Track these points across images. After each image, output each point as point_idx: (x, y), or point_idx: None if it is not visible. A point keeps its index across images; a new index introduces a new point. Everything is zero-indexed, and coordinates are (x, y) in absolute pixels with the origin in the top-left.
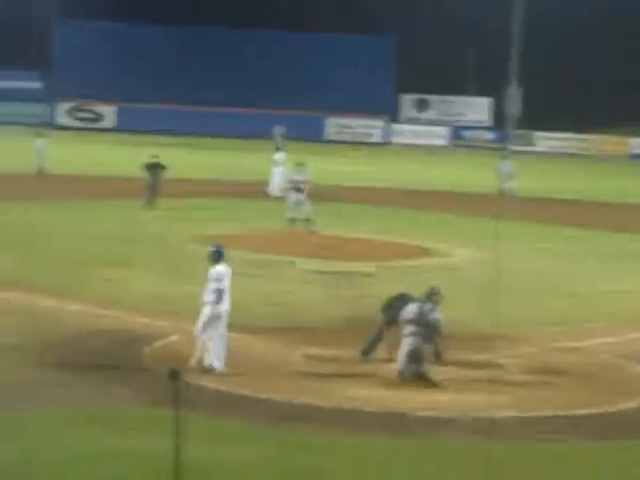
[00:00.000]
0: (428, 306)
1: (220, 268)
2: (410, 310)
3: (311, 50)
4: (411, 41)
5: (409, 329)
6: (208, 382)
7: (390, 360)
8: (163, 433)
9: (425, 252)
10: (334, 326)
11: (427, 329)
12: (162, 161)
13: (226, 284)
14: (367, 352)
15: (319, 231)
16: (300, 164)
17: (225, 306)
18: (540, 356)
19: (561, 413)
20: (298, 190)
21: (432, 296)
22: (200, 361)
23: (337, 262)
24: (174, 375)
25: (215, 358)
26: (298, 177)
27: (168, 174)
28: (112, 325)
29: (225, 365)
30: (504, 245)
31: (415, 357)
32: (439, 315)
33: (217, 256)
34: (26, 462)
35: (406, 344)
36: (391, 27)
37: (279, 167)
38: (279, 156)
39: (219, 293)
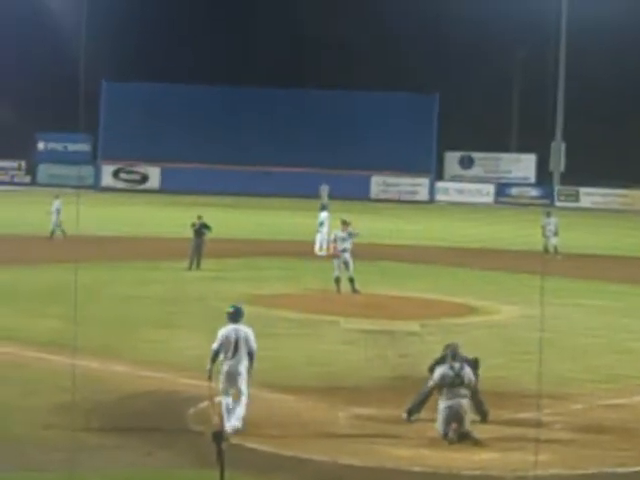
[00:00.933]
0: (457, 364)
1: (225, 329)
2: (441, 372)
3: (355, 108)
4: (455, 98)
5: (444, 392)
6: (252, 443)
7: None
8: None
9: (471, 310)
10: (378, 386)
11: (462, 387)
12: (207, 221)
13: (217, 345)
14: (412, 412)
15: (364, 290)
16: (345, 223)
17: (223, 367)
18: (586, 413)
19: (607, 471)
20: (344, 250)
21: (457, 354)
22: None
23: (382, 321)
24: (218, 437)
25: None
26: (343, 235)
27: (213, 234)
28: (156, 386)
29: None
30: (550, 302)
31: (455, 417)
32: (469, 370)
33: (231, 316)
34: None
35: (443, 407)
36: (435, 85)
37: (323, 226)
38: (323, 215)
39: (213, 354)
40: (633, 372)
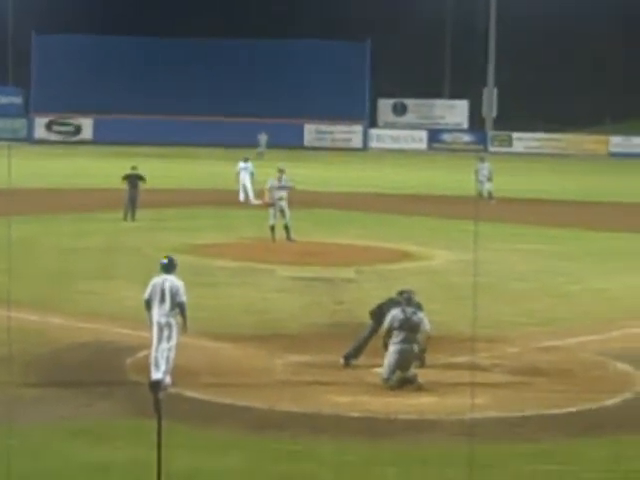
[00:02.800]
0: (410, 309)
1: (155, 279)
2: (394, 316)
3: (286, 57)
4: (387, 46)
5: (396, 335)
6: (190, 392)
7: (374, 366)
8: (148, 444)
9: (406, 256)
10: (316, 333)
11: (413, 333)
12: (141, 172)
13: (147, 294)
14: (350, 357)
15: (299, 238)
16: (281, 171)
17: (152, 316)
18: (521, 356)
19: (544, 412)
20: (280, 198)
21: (410, 299)
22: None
23: (317, 268)
24: (155, 386)
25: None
26: (279, 184)
27: (147, 185)
28: (94, 338)
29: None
30: (485, 246)
31: (402, 363)
32: (422, 315)
33: (163, 267)
34: (12, 477)
35: (393, 351)
36: (366, 32)
37: (253, 176)
38: (247, 165)
39: (145, 303)
40: (568, 315)
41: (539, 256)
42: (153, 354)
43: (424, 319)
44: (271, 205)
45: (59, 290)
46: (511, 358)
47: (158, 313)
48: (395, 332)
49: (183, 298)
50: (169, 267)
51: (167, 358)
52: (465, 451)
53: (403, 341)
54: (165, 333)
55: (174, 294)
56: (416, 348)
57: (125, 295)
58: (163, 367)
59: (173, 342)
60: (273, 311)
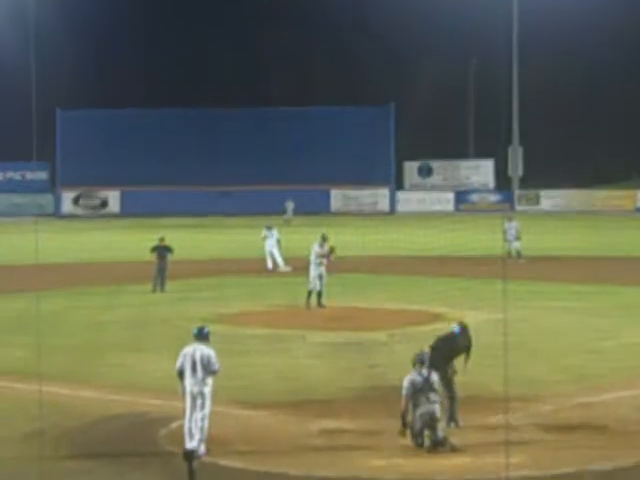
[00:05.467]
0: (424, 371)
1: (186, 347)
2: (413, 381)
3: (311, 124)
4: (411, 109)
5: (417, 398)
6: (225, 460)
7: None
8: None
9: (436, 317)
10: (349, 397)
11: (433, 392)
12: (169, 243)
13: (179, 364)
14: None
15: (329, 303)
16: (324, 238)
17: (185, 386)
18: (556, 414)
19: (580, 470)
20: (320, 263)
21: (424, 360)
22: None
23: (348, 333)
24: (188, 456)
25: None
26: (321, 250)
27: (175, 255)
28: (126, 409)
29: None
30: (515, 305)
31: (428, 424)
32: (436, 376)
33: (195, 336)
34: None
35: (417, 416)
36: (390, 95)
37: (275, 242)
38: (274, 233)
39: (177, 372)
40: (602, 370)
41: (570, 313)
42: (186, 424)
43: (437, 378)
44: (312, 270)
45: (89, 363)
46: (546, 416)
47: (190, 382)
48: (416, 395)
49: (216, 366)
50: (201, 336)
51: (201, 428)
52: None
53: (423, 402)
54: (198, 402)
55: (205, 363)
56: (437, 408)
57: (156, 367)
58: (197, 436)
59: (206, 411)
60: (305, 377)
